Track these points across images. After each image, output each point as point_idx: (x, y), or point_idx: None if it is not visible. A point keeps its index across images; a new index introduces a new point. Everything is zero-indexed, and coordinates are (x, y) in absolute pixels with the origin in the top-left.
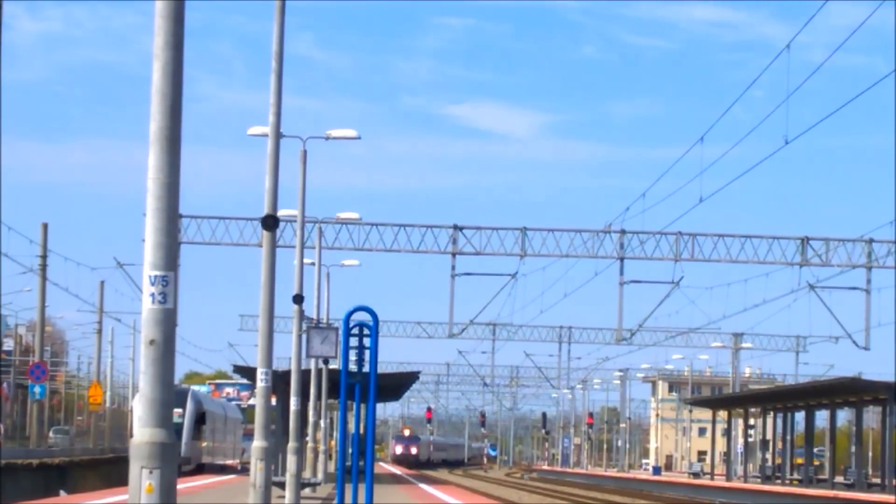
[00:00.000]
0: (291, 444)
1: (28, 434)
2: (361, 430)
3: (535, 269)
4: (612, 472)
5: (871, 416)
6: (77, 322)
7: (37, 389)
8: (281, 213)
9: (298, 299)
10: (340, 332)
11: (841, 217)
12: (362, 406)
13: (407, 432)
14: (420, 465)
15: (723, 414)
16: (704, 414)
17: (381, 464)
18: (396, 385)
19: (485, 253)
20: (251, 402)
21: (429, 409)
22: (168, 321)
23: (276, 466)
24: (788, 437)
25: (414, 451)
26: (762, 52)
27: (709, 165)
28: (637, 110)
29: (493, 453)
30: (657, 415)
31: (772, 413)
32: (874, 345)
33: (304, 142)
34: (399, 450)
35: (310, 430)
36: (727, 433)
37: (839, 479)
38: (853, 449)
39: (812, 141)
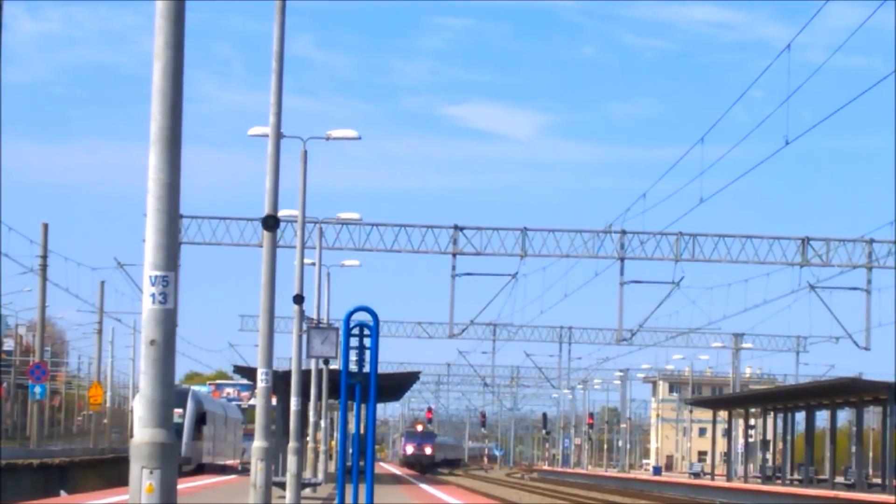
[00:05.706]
0: (292, 445)
1: (28, 434)
2: (362, 431)
3: (536, 270)
4: (613, 473)
5: (872, 416)
6: (77, 322)
7: (37, 390)
8: (281, 213)
9: (299, 299)
10: (341, 332)
11: (841, 217)
12: (363, 406)
13: (420, 428)
14: (434, 467)
15: (723, 414)
16: (705, 414)
17: (381, 464)
18: (397, 385)
19: (485, 253)
20: (251, 402)
21: (429, 410)
22: (168, 321)
23: (277, 466)
24: (789, 438)
25: (429, 451)
26: (762, 52)
27: (709, 166)
28: (637, 110)
29: (498, 454)
30: (657, 415)
31: (772, 413)
32: (874, 345)
33: (304, 142)
34: (410, 450)
35: (310, 430)
36: (727, 433)
37: (839, 479)
38: (853, 449)
39: (812, 141)
